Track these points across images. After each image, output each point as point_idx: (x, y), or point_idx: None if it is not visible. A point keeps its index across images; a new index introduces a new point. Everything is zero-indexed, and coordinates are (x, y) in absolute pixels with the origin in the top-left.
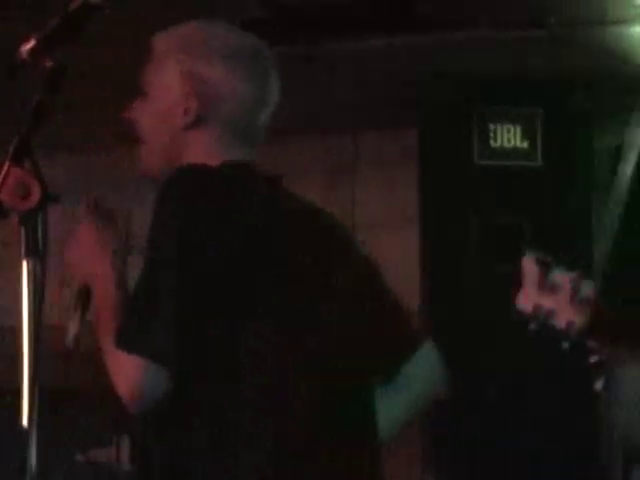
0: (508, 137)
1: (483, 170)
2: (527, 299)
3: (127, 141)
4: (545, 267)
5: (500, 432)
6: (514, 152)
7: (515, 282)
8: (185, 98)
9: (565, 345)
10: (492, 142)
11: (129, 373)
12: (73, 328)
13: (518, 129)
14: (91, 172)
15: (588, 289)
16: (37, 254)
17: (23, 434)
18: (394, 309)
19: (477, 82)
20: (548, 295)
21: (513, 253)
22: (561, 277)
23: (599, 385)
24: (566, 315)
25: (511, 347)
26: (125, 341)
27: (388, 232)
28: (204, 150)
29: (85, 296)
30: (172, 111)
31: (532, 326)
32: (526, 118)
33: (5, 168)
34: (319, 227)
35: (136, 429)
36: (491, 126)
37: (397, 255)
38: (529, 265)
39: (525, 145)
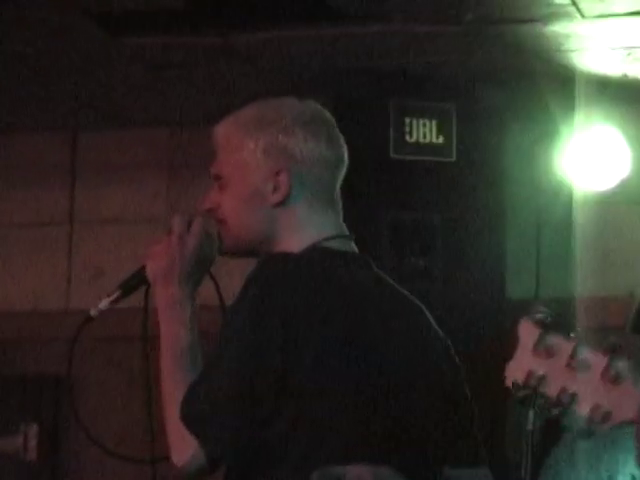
0: (424, 132)
1: (398, 165)
2: (520, 366)
3: None
4: (544, 329)
5: None
6: (429, 147)
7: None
8: (273, 175)
9: (555, 412)
10: (408, 137)
11: (183, 449)
12: (105, 302)
13: (434, 124)
14: None
15: (585, 353)
16: None
17: None
18: (470, 418)
19: (393, 76)
20: (543, 360)
21: (425, 249)
22: (557, 340)
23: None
24: (559, 381)
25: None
26: (190, 420)
27: None
28: (295, 226)
29: (136, 282)
30: (260, 191)
31: (520, 394)
32: (441, 113)
33: None
34: (406, 315)
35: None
36: (407, 120)
37: None
38: (527, 329)
39: (440, 140)
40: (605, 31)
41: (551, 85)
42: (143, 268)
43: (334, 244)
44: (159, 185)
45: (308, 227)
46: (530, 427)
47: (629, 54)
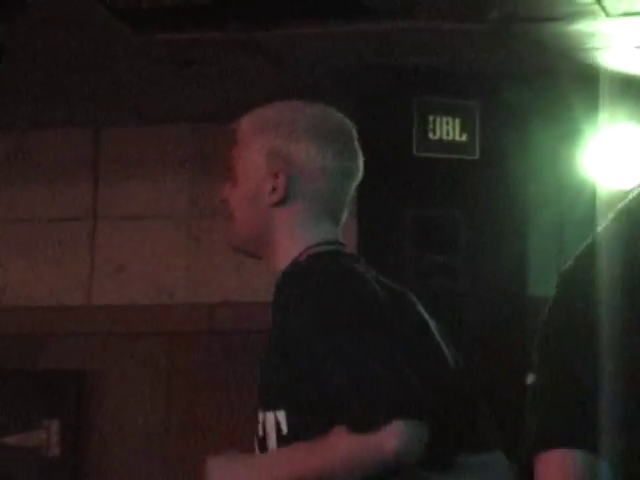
0: (447, 129)
1: (421, 162)
2: None
3: None
4: None
5: None
6: (452, 145)
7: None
8: (272, 177)
9: None
10: (431, 134)
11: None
12: None
13: (457, 122)
14: None
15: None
16: None
17: None
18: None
19: (417, 73)
20: None
21: (447, 246)
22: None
23: (530, 379)
24: None
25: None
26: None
27: None
28: (290, 227)
29: None
30: (260, 190)
31: None
32: (464, 111)
33: None
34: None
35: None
36: (430, 118)
37: None
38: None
39: (463, 138)
40: (629, 29)
41: (575, 84)
42: None
43: (329, 248)
44: (181, 182)
45: (303, 231)
46: None
47: None
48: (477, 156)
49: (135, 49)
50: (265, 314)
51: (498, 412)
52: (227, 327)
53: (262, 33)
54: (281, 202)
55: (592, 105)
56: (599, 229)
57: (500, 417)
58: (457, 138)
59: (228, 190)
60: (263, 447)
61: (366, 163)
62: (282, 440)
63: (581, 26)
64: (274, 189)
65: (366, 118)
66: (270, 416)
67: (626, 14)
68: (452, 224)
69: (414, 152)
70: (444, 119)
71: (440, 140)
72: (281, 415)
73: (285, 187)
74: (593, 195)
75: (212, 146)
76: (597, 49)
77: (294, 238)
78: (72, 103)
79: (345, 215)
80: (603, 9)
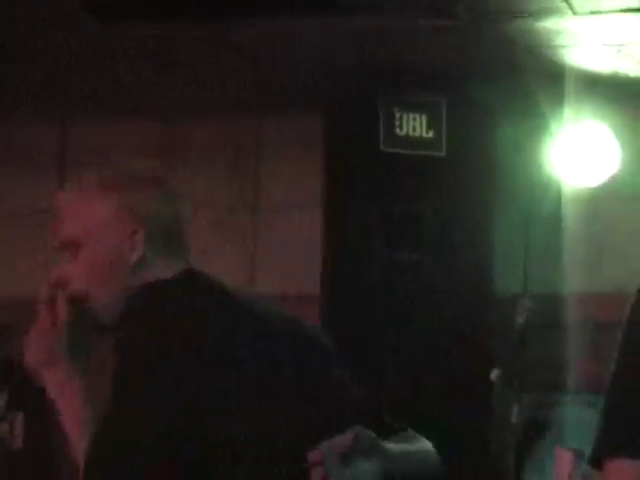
0: (413, 125)
1: (388, 158)
2: None
3: None
4: (579, 458)
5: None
6: (419, 141)
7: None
8: (129, 232)
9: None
10: (398, 130)
11: None
12: None
13: (424, 118)
14: None
15: None
16: None
17: None
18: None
19: (384, 69)
20: None
21: (415, 242)
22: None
23: (495, 375)
24: None
25: (411, 330)
26: None
27: (291, 215)
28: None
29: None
30: (119, 251)
31: None
32: (431, 107)
33: None
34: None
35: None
36: (397, 114)
37: (299, 239)
38: (565, 457)
39: (430, 134)
40: (596, 28)
41: (541, 81)
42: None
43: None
44: None
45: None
46: (514, 421)
47: (619, 51)
48: (444, 153)
49: (107, 44)
50: None
51: (462, 407)
52: None
53: (235, 31)
54: (141, 258)
55: (558, 102)
56: None
57: (465, 411)
58: (424, 134)
59: (69, 265)
60: None
61: (333, 159)
62: None
63: (548, 23)
64: (132, 245)
65: (334, 113)
66: None
67: (593, 12)
68: (419, 220)
69: (381, 148)
70: (411, 115)
71: (407, 136)
72: None
73: (143, 242)
74: (559, 192)
75: (181, 138)
76: (564, 47)
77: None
78: (39, 95)
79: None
80: (570, 7)
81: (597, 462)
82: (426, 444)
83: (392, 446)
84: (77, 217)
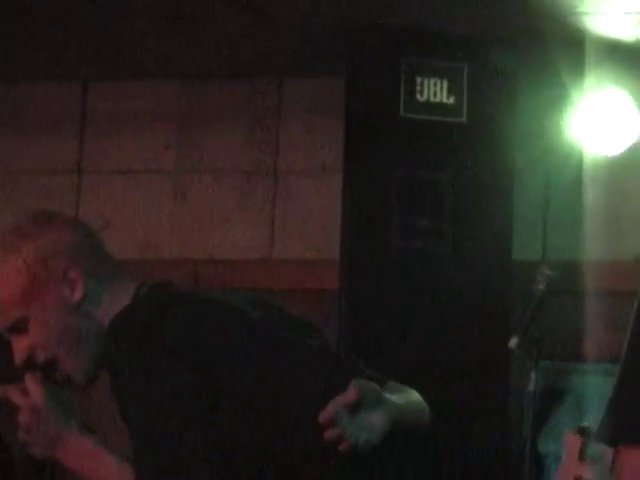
0: (435, 91)
1: (408, 123)
2: (568, 473)
3: None
4: (587, 438)
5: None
6: (440, 107)
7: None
8: (61, 277)
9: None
10: (418, 96)
11: None
12: None
13: (445, 84)
14: None
15: None
16: None
17: None
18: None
19: (405, 34)
20: (588, 467)
21: (433, 208)
22: (601, 449)
23: (513, 343)
24: None
25: (429, 300)
26: None
27: (310, 180)
28: (108, 304)
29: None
30: (62, 300)
31: None
32: (452, 73)
33: None
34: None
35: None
36: (418, 79)
37: (319, 203)
38: (571, 439)
39: (451, 101)
40: None
41: (563, 48)
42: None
43: None
44: (169, 137)
45: (119, 300)
46: (532, 388)
47: None
48: (464, 119)
49: (124, 4)
50: (250, 271)
51: (480, 374)
52: (212, 284)
53: None
54: (85, 295)
55: (579, 70)
56: None
57: (482, 379)
58: (444, 100)
59: (26, 341)
60: None
61: (353, 123)
62: None
63: None
64: (71, 287)
65: (354, 78)
66: None
67: None
68: (438, 186)
69: (401, 113)
70: (432, 81)
71: (427, 102)
72: None
73: (81, 278)
74: (579, 160)
75: (201, 102)
76: (586, 14)
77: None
78: (60, 57)
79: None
80: None
81: (609, 439)
82: (415, 394)
83: (392, 396)
84: (4, 296)
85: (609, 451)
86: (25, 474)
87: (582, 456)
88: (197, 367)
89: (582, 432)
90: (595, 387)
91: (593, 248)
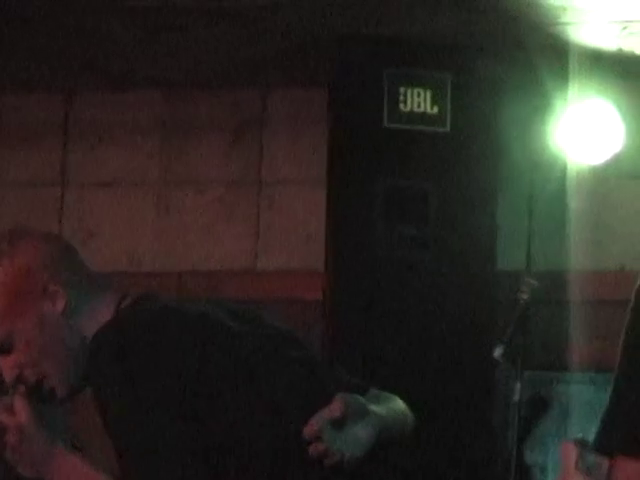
0: (418, 101)
1: (392, 133)
2: None
3: None
4: (583, 448)
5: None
6: (423, 117)
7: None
8: (41, 291)
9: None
10: (402, 106)
11: None
12: None
13: (428, 94)
14: None
15: None
16: None
17: None
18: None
19: (389, 44)
20: (584, 478)
21: (417, 217)
22: (597, 459)
23: (498, 353)
24: None
25: (414, 306)
26: None
27: (294, 190)
28: (92, 315)
29: None
30: (45, 314)
31: None
32: (436, 83)
33: None
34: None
35: None
36: (401, 89)
37: (303, 213)
38: (568, 449)
39: (435, 110)
40: (602, 5)
41: (546, 58)
42: None
43: None
44: (152, 148)
45: (100, 312)
46: (517, 398)
47: (625, 28)
48: (448, 128)
49: (109, 14)
50: (234, 282)
51: (464, 384)
52: (196, 295)
53: (234, 0)
54: (66, 306)
55: (563, 80)
56: None
57: (467, 389)
58: (428, 110)
59: (11, 360)
60: None
61: (337, 133)
62: None
63: (554, 0)
64: (52, 300)
65: (338, 88)
66: None
67: None
68: (422, 196)
69: (385, 124)
70: (415, 90)
71: (411, 112)
72: None
73: (60, 290)
74: (563, 170)
75: (184, 112)
76: (569, 24)
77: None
78: (45, 67)
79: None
80: None
81: (605, 449)
82: (399, 402)
83: (377, 407)
84: None
85: (605, 462)
86: None
87: (578, 466)
88: (179, 381)
89: (578, 442)
90: (580, 396)
91: (577, 257)
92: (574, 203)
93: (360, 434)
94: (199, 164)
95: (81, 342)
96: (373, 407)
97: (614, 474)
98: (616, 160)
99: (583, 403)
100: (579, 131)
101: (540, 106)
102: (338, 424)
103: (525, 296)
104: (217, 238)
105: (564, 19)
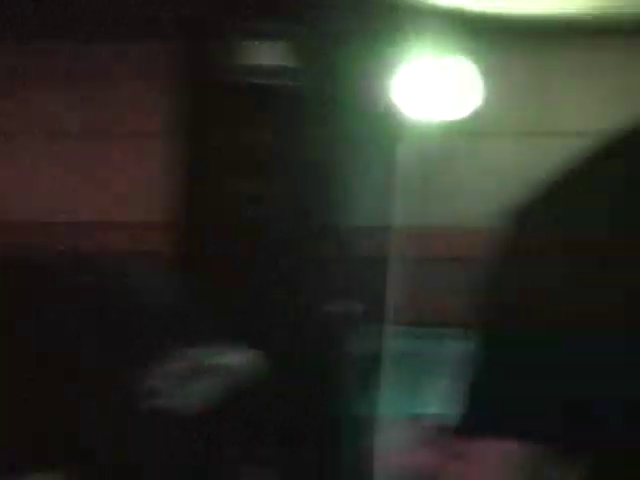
0: (263, 55)
1: (237, 87)
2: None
3: None
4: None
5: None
6: (269, 70)
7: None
8: None
9: None
10: (247, 59)
11: None
12: None
13: (274, 47)
14: None
15: None
16: None
17: None
18: None
19: None
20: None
21: (255, 172)
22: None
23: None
24: None
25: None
26: None
27: (142, 143)
28: None
29: None
30: None
31: None
32: (286, 36)
33: None
34: None
35: None
36: (247, 43)
37: (150, 167)
38: (413, 426)
39: (284, 63)
40: None
41: (385, 14)
42: None
43: None
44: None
45: None
46: (352, 351)
47: None
48: (294, 83)
49: None
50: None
51: (299, 338)
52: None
53: None
54: None
55: (401, 37)
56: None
57: (302, 343)
58: (273, 64)
59: None
60: None
61: (182, 87)
62: None
63: None
64: None
65: (183, 43)
66: None
67: None
68: (263, 150)
69: (231, 77)
70: (261, 44)
71: (256, 65)
72: None
73: None
74: (399, 126)
75: (39, 64)
76: None
77: None
78: None
79: None
80: None
81: (469, 430)
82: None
83: (222, 359)
84: None
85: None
86: None
87: (426, 443)
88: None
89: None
90: (409, 350)
91: (408, 213)
92: (407, 159)
93: (202, 390)
94: (46, 114)
95: None
96: (221, 360)
97: (481, 455)
98: (474, 117)
99: (411, 357)
100: (416, 87)
101: (387, 61)
102: (180, 380)
103: (355, 252)
104: (63, 190)
105: None
